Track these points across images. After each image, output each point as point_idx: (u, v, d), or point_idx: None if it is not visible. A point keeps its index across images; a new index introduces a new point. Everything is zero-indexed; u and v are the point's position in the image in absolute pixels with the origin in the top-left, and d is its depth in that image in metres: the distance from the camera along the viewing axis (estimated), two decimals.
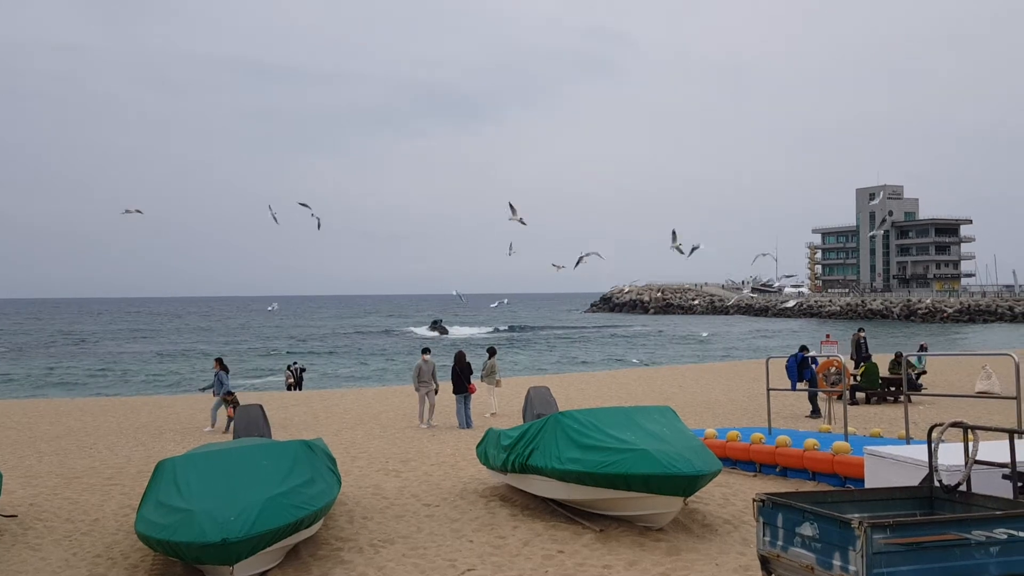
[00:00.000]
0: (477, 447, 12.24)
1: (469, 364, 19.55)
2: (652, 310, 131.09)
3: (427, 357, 19.01)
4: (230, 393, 19.53)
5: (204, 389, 19.77)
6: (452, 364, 19.51)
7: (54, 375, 50.58)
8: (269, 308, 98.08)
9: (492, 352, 21.18)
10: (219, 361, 20.46)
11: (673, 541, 9.07)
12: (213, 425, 19.33)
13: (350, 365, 55.91)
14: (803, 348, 20.29)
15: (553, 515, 10.26)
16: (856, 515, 5.87)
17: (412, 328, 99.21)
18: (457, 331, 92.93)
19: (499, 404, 21.31)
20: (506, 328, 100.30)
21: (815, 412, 19.23)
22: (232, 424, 18.71)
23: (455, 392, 19.22)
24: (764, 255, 68.87)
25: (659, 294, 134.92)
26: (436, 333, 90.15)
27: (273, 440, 10.85)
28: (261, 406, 13.37)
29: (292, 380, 33.32)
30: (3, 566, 8.86)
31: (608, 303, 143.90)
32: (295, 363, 35.37)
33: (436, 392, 19.14)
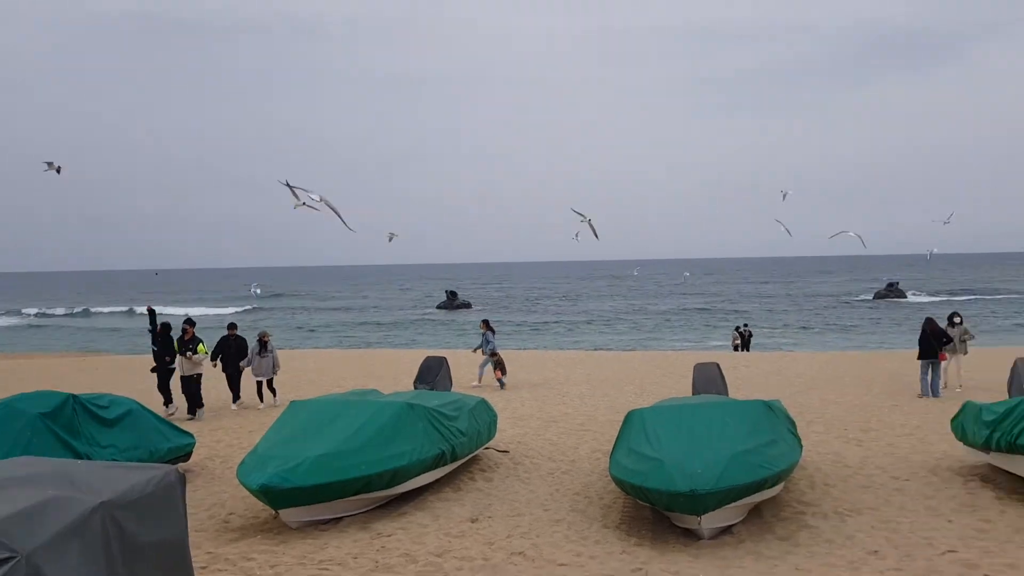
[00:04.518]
0: (952, 420, 11.22)
1: (943, 330, 17.91)
2: None
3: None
4: (495, 353, 20.35)
5: (476, 348, 21.44)
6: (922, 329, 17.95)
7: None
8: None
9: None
10: (486, 323, 21.13)
11: None
12: (480, 380, 20.29)
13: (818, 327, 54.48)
14: None
15: None
16: None
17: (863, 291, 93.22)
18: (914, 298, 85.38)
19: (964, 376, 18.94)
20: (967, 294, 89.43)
21: None
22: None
23: (920, 358, 17.77)
24: None
25: None
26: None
27: (733, 399, 11.01)
28: (718, 364, 13.62)
29: (739, 342, 33.55)
30: (501, 494, 10.25)
31: None
32: (744, 325, 35.51)
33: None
